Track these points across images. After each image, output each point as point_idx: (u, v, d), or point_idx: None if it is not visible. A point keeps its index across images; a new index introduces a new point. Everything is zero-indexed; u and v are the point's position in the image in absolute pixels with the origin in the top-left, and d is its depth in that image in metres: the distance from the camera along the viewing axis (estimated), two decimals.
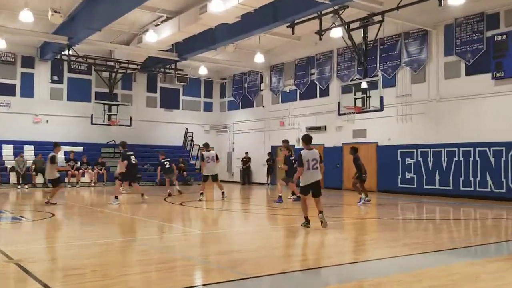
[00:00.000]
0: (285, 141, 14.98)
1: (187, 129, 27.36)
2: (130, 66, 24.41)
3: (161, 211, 12.39)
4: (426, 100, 18.17)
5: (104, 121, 23.55)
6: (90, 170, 22.75)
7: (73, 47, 20.73)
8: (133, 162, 13.99)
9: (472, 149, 16.51)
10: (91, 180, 22.61)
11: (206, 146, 15.26)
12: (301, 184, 8.89)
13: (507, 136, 15.66)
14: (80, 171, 22.38)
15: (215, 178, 14.68)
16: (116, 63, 24.10)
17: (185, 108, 28.41)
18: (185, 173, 24.08)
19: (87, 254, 6.57)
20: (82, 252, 6.71)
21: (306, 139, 8.90)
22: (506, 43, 15.81)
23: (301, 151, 8.82)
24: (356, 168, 14.13)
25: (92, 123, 23.67)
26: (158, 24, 19.30)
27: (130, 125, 24.57)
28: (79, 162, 22.59)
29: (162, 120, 27.36)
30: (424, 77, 18.28)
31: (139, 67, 24.96)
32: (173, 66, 23.94)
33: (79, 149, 24.09)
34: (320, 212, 8.69)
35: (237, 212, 13.14)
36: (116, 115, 23.78)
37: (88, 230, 8.98)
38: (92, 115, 23.51)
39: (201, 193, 14.83)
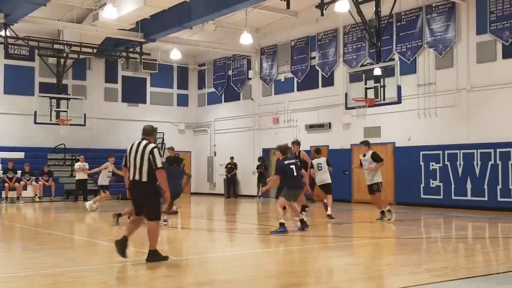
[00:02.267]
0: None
1: (156, 128, 27.30)
2: (83, 50, 24.27)
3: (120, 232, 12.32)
4: (454, 89, 18.32)
5: (50, 120, 23.39)
6: (33, 182, 22.60)
7: (10, 26, 20.58)
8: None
9: None
10: (35, 194, 22.45)
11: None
12: None
13: None
14: (22, 183, 22.22)
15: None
16: (65, 46, 23.96)
17: (154, 102, 28.36)
18: None
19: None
20: (25, 286, 6.67)
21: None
22: None
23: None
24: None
25: (35, 122, 23.50)
26: None
27: (84, 124, 24.45)
28: (19, 172, 22.44)
29: (124, 118, 27.26)
30: (452, 62, 18.43)
31: (95, 51, 24.86)
32: (137, 49, 23.87)
33: (20, 155, 23.91)
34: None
35: (220, 232, 13.13)
36: (66, 111, 23.63)
37: (33, 257, 8.94)
38: (35, 112, 23.34)
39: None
